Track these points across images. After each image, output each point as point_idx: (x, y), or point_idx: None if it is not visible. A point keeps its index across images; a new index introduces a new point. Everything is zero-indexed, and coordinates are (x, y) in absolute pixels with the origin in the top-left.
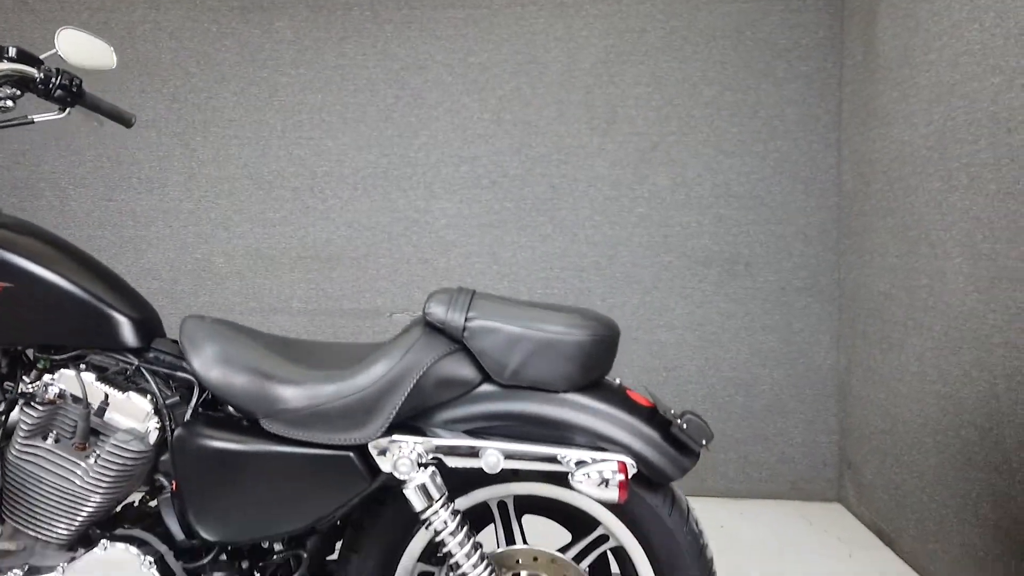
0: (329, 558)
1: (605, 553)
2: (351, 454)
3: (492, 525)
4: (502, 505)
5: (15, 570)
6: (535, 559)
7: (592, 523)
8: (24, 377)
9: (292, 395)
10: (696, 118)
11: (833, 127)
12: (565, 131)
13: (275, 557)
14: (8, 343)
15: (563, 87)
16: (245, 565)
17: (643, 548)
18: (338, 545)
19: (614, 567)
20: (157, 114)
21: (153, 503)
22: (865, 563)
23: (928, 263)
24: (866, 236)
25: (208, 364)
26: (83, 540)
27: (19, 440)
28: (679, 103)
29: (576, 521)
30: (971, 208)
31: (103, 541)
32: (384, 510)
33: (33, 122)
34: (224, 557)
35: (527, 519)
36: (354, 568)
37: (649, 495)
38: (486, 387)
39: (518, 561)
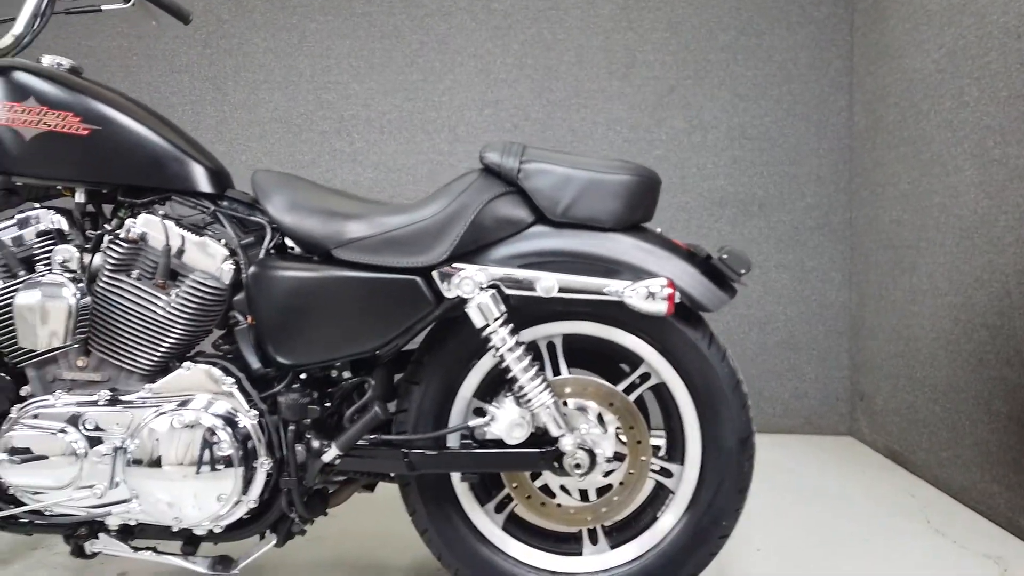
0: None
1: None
2: (417, 278)
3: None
4: (550, 346)
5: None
6: (584, 388)
7: (634, 367)
8: (108, 219)
9: (362, 226)
10: (712, 62)
11: (845, 71)
12: (585, 76)
13: (344, 384)
14: (96, 181)
15: (583, 33)
16: (315, 395)
17: (683, 382)
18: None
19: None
20: (190, 59)
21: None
22: (879, 483)
23: (940, 181)
24: (877, 170)
25: (282, 206)
26: (164, 372)
27: (105, 275)
28: (695, 48)
29: (618, 374)
30: (982, 119)
31: (186, 363)
32: (444, 345)
33: (100, 10)
34: (296, 384)
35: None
36: (415, 397)
37: (690, 330)
38: (538, 227)
39: (568, 390)
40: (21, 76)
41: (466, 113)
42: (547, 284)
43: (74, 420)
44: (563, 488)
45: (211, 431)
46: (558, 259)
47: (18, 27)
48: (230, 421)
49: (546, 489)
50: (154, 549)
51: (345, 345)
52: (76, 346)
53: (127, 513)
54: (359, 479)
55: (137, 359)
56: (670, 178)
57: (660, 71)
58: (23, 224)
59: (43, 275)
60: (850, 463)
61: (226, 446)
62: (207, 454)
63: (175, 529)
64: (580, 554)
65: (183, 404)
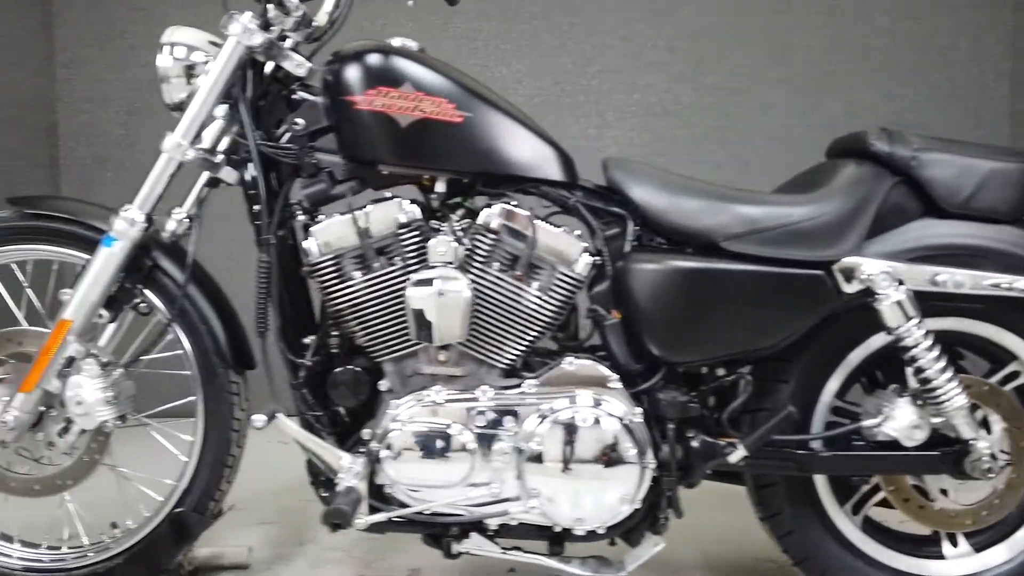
0: None
1: None
2: (822, 272)
3: None
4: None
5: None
6: (968, 386)
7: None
8: (461, 208)
9: (757, 217)
10: (871, 47)
11: (1007, 56)
12: (739, 59)
13: (721, 380)
14: (467, 170)
15: (738, 15)
16: (685, 396)
17: None
18: None
19: None
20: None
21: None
22: None
23: None
24: None
25: (653, 193)
26: (523, 366)
27: (475, 267)
28: (852, 32)
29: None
30: None
31: (568, 356)
32: (814, 342)
33: None
34: (670, 381)
35: None
36: (782, 396)
37: None
38: (926, 219)
39: None
40: (397, 60)
41: (615, 97)
42: (959, 280)
43: (462, 416)
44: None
45: (618, 429)
46: (955, 253)
47: (328, 3)
48: (624, 419)
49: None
50: (520, 548)
51: (740, 341)
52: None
53: (513, 513)
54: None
55: (500, 353)
56: None
57: (817, 55)
58: (377, 214)
59: (434, 268)
60: None
61: (629, 445)
62: (613, 453)
63: (575, 530)
64: (942, 557)
65: (573, 400)
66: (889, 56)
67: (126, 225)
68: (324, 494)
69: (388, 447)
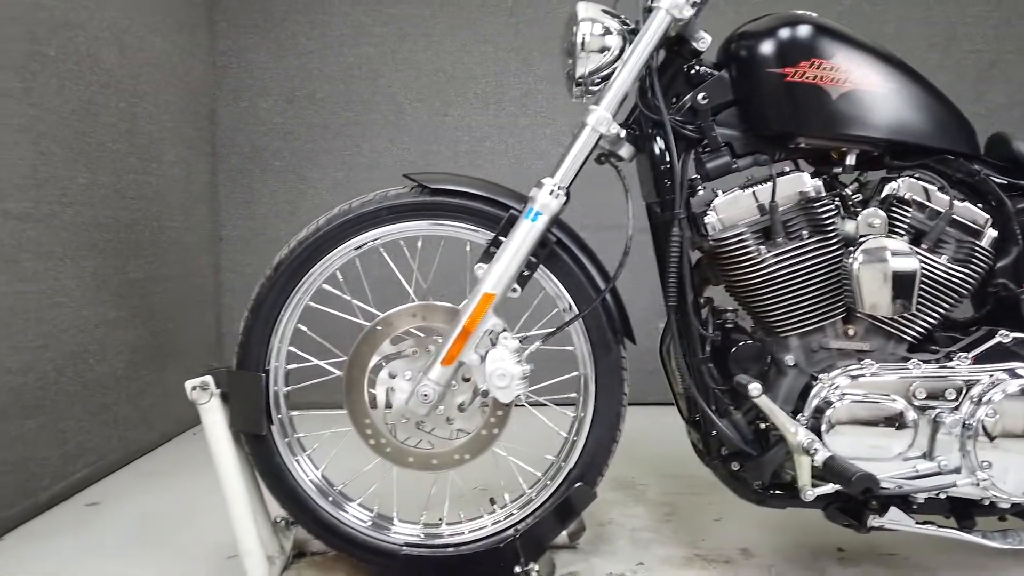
0: None
1: None
2: None
3: None
4: None
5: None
6: None
7: None
8: (855, 183)
9: None
10: None
11: None
12: (903, 48)
13: None
14: (882, 138)
15: (903, 4)
16: None
17: None
18: None
19: None
20: (495, 29)
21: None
22: None
23: None
24: None
25: None
26: (927, 340)
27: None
28: (1017, 21)
29: None
30: None
31: (1001, 331)
32: None
33: None
34: None
35: None
36: None
37: None
38: None
39: None
40: (825, 33)
41: None
42: None
43: (900, 389)
44: None
45: None
46: None
47: None
48: None
49: None
50: (933, 523)
51: None
52: (843, 315)
53: (957, 487)
54: None
55: (911, 326)
56: None
57: (981, 44)
58: (783, 189)
59: (881, 240)
60: None
61: None
62: None
63: (1007, 503)
64: None
65: (1019, 373)
66: None
67: (550, 198)
68: (735, 467)
69: (827, 420)
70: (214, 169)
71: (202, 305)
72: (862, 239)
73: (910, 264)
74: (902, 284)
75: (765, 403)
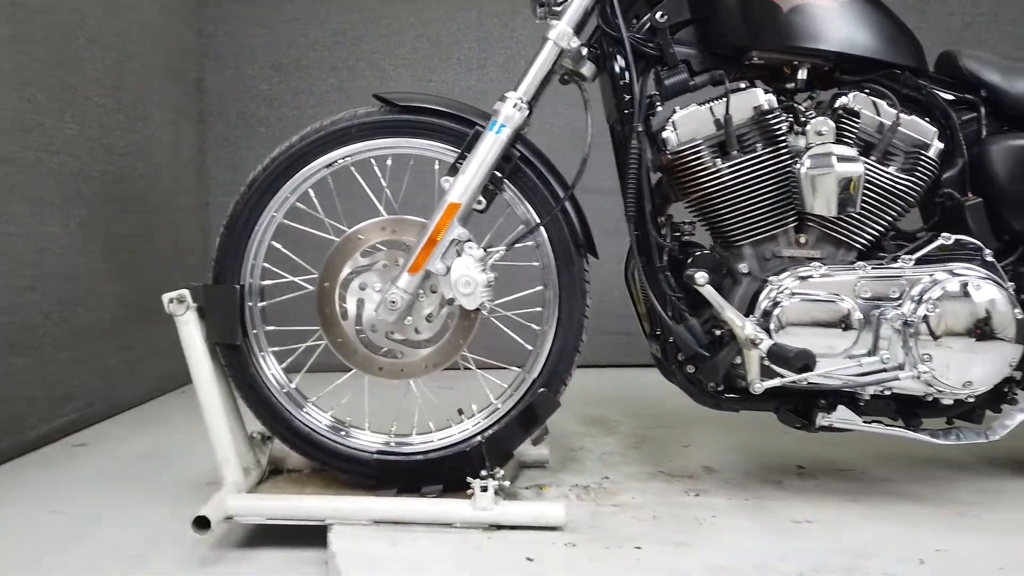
0: None
1: None
2: None
3: None
4: None
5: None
6: None
7: None
8: (808, 100)
9: None
10: (1005, 2)
11: None
12: None
13: None
14: (832, 50)
15: None
16: None
17: None
18: None
19: None
20: None
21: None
22: None
23: None
24: None
25: (1013, 77)
26: (875, 248)
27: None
28: None
29: None
30: None
31: (944, 233)
32: None
33: None
34: None
35: None
36: None
37: None
38: None
39: None
40: None
41: None
42: None
43: (846, 289)
44: None
45: (1005, 295)
46: None
47: None
48: (1005, 286)
49: None
50: (880, 422)
51: None
52: (794, 224)
53: (898, 381)
54: None
55: (860, 234)
56: None
57: (955, 7)
58: (739, 103)
59: (827, 146)
60: None
61: (1017, 311)
62: (1000, 318)
63: (946, 399)
64: None
65: (958, 272)
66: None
67: (513, 110)
68: (690, 369)
69: (776, 320)
70: (202, 135)
71: (190, 267)
72: (810, 146)
73: (854, 167)
74: (846, 186)
75: (710, 293)
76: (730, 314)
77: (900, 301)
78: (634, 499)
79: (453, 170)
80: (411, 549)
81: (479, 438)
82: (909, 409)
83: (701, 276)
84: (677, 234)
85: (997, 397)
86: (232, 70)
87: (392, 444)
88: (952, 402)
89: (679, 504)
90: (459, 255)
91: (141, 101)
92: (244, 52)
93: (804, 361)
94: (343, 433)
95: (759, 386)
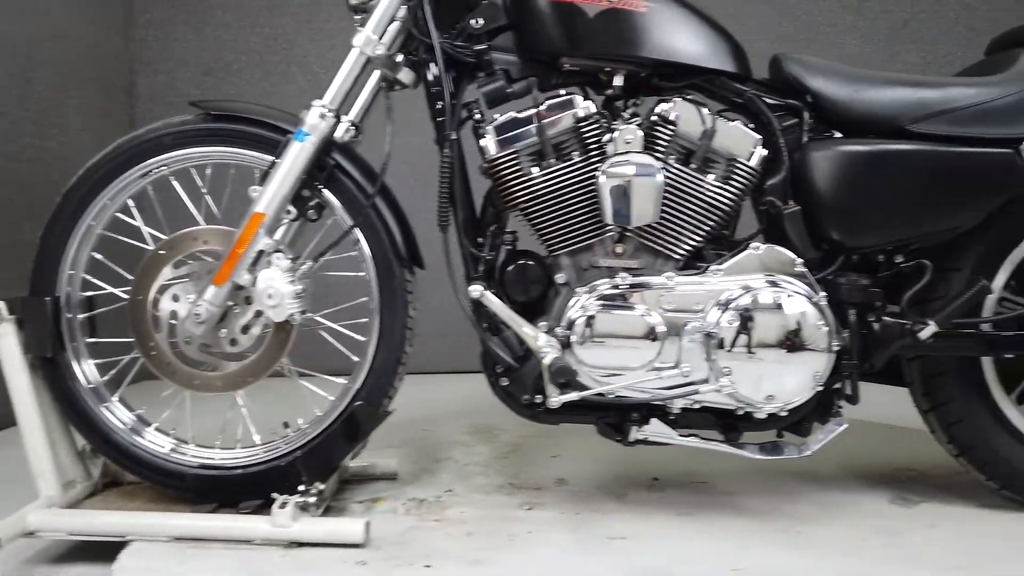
0: None
1: None
2: (1012, 150)
3: None
4: None
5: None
6: None
7: None
8: (630, 108)
9: (950, 96)
10: None
11: None
12: (815, 9)
13: (901, 267)
14: (644, 57)
15: None
16: (866, 281)
17: None
18: None
19: None
20: None
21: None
22: None
23: None
24: None
25: (834, 84)
26: (697, 259)
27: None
28: None
29: None
30: None
31: (754, 243)
32: (986, 231)
33: None
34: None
35: None
36: (953, 284)
37: None
38: None
39: None
40: None
41: None
42: None
43: (650, 301)
44: None
45: (810, 309)
46: None
47: None
48: (813, 299)
49: None
50: (697, 436)
51: (923, 223)
52: (614, 233)
53: (702, 394)
54: None
55: (678, 244)
56: None
57: (893, 4)
58: (554, 110)
59: (627, 155)
60: None
61: (822, 324)
62: (806, 331)
63: (758, 412)
64: None
65: (763, 283)
66: (965, 5)
67: (318, 119)
68: (504, 382)
69: (578, 332)
70: None
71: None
72: (600, 161)
73: (650, 178)
74: (643, 197)
75: (492, 302)
76: (516, 322)
77: (704, 313)
78: (462, 513)
79: (263, 178)
80: (199, 567)
81: (297, 452)
82: (729, 422)
83: (475, 289)
84: (498, 241)
85: (824, 409)
86: (163, 75)
87: (214, 459)
88: (766, 416)
89: (505, 519)
90: (268, 266)
91: (54, 109)
92: (175, 57)
93: (564, 376)
94: (166, 447)
95: (555, 400)
